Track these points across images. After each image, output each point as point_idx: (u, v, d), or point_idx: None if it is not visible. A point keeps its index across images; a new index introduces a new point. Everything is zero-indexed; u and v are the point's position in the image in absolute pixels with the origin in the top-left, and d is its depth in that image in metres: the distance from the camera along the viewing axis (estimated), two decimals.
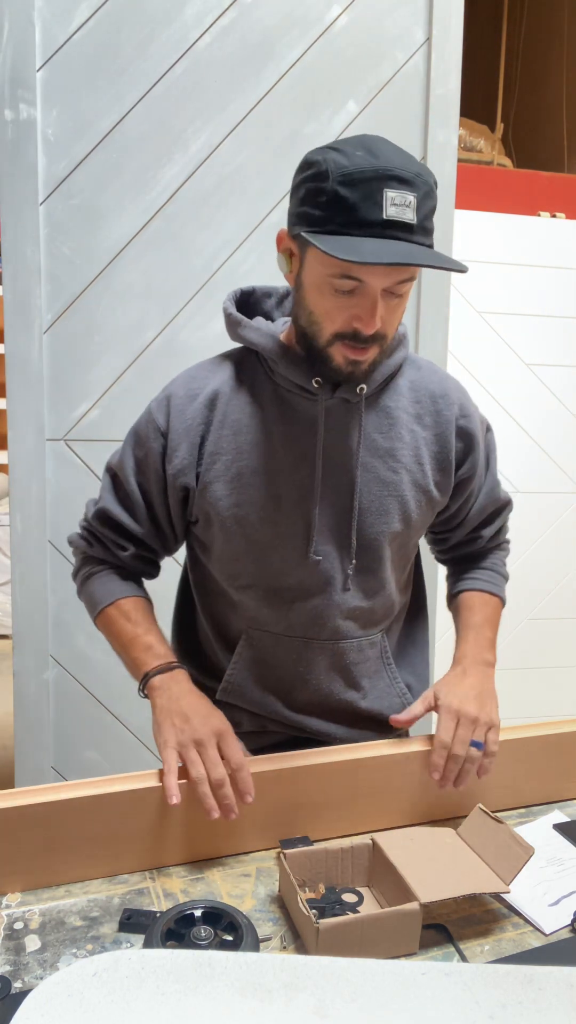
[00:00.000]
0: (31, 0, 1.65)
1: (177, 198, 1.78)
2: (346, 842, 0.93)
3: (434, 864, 0.90)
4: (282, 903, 0.89)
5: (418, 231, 0.89)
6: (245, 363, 1.10)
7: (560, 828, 1.06)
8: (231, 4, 1.73)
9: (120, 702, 1.92)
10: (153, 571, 1.20)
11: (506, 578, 1.26)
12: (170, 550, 1.18)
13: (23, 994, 0.73)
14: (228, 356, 1.12)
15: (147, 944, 0.79)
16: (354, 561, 1.08)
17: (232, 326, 1.09)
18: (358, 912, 0.88)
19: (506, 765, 1.07)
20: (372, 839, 0.93)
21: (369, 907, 0.90)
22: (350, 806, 1.02)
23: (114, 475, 1.14)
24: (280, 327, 1.08)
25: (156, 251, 1.79)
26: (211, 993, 0.56)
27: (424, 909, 0.82)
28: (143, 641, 1.08)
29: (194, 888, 0.92)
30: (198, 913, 0.83)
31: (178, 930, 0.81)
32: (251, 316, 1.11)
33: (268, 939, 0.84)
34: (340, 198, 0.88)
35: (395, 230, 0.88)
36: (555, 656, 2.66)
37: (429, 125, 1.84)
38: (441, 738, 1.01)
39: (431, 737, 1.04)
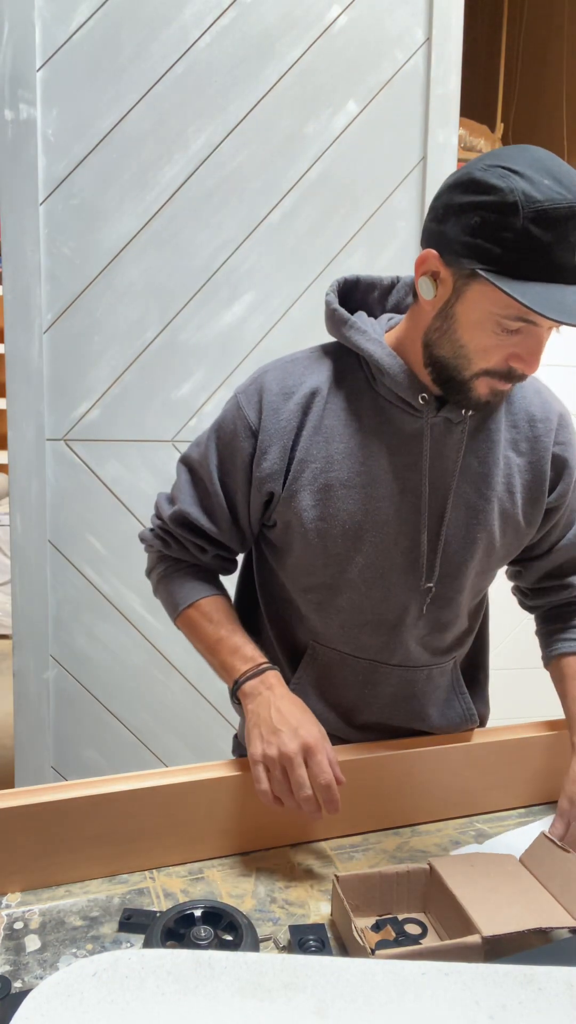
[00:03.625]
0: (31, 0, 1.65)
1: (177, 198, 1.78)
2: (402, 867, 0.88)
3: (496, 894, 0.84)
4: (335, 930, 0.85)
5: None
6: (345, 363, 1.01)
7: None
8: (231, 4, 1.73)
9: (120, 702, 1.92)
10: (231, 567, 1.14)
11: None
12: (247, 549, 1.13)
13: (23, 994, 0.72)
14: (326, 352, 1.03)
15: (147, 944, 0.79)
16: (434, 589, 1.02)
17: (335, 324, 1.00)
18: (420, 944, 0.84)
19: (506, 765, 1.07)
20: (429, 863, 0.88)
21: (430, 938, 0.85)
22: (351, 806, 1.02)
23: (193, 472, 1.06)
24: (384, 327, 1.01)
25: (156, 251, 1.79)
26: (211, 993, 0.56)
27: (486, 943, 0.77)
28: (229, 643, 1.02)
29: (194, 888, 0.92)
30: (198, 913, 0.83)
31: (178, 930, 0.80)
32: (352, 309, 1.03)
33: (268, 939, 0.84)
34: (532, 238, 0.79)
35: None
36: None
37: (429, 125, 1.84)
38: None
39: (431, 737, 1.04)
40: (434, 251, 0.87)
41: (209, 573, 1.11)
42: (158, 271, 1.80)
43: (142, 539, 1.13)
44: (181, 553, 1.09)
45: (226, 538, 1.06)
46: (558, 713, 1.11)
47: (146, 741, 1.96)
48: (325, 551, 1.00)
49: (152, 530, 1.11)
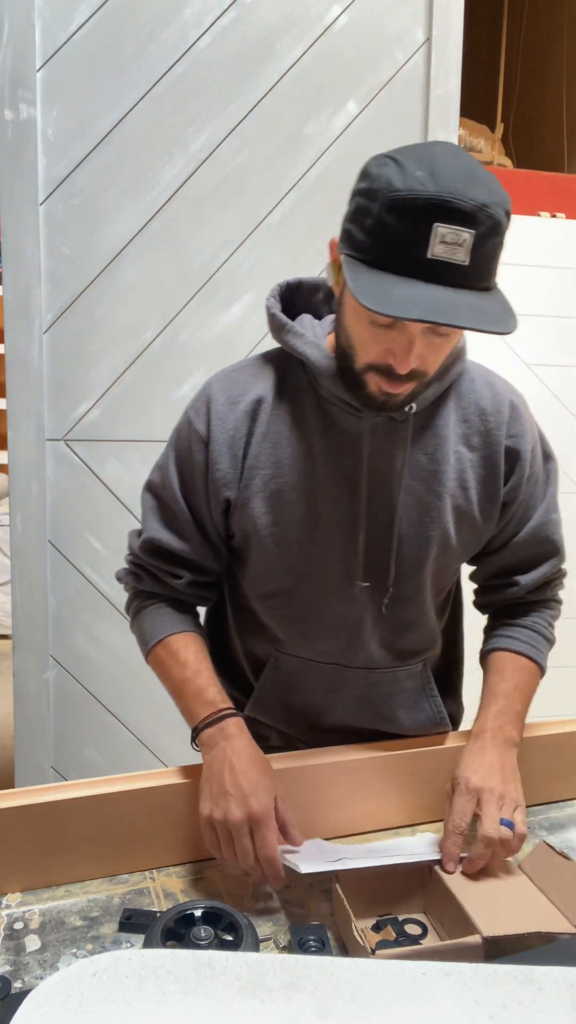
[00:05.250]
0: (31, 0, 1.65)
1: (177, 198, 1.78)
2: (402, 867, 0.88)
3: (496, 896, 0.84)
4: (335, 930, 0.85)
5: (471, 274, 0.77)
6: (288, 368, 1.00)
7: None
8: (231, 4, 1.73)
9: (120, 702, 1.92)
10: (211, 595, 1.11)
11: (550, 641, 1.11)
12: (223, 565, 1.10)
13: (23, 994, 0.72)
14: (271, 358, 1.03)
15: (147, 944, 0.79)
16: (391, 589, 1.01)
17: (275, 329, 0.99)
18: (420, 944, 0.84)
19: None
20: (430, 866, 0.89)
21: (430, 938, 0.85)
22: (352, 805, 1.02)
23: (157, 495, 1.05)
24: (327, 329, 1.00)
25: (156, 251, 1.79)
26: (211, 993, 0.56)
27: (486, 944, 0.77)
28: (192, 686, 0.98)
29: (194, 888, 0.92)
30: (198, 913, 0.83)
31: (178, 930, 0.80)
32: (296, 312, 1.03)
33: (268, 939, 0.84)
34: (385, 226, 0.77)
35: (441, 272, 0.76)
36: (555, 656, 2.65)
37: (429, 125, 1.84)
38: (455, 821, 0.89)
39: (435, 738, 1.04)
40: (335, 238, 0.88)
41: (184, 607, 1.08)
42: (158, 271, 1.80)
43: (118, 578, 1.12)
44: (155, 585, 1.07)
45: (198, 555, 1.04)
46: (558, 713, 1.10)
47: (146, 741, 1.96)
48: (280, 557, 1.00)
49: (125, 567, 1.10)
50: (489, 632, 1.13)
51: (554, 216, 2.59)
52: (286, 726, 1.11)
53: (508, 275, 2.85)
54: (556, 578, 1.12)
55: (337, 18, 1.77)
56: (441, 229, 0.75)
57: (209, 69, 1.74)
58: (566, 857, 0.88)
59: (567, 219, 2.58)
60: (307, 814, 0.99)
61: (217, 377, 1.03)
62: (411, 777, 1.04)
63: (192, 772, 0.96)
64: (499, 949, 0.79)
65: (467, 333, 0.91)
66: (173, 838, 0.95)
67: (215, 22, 1.73)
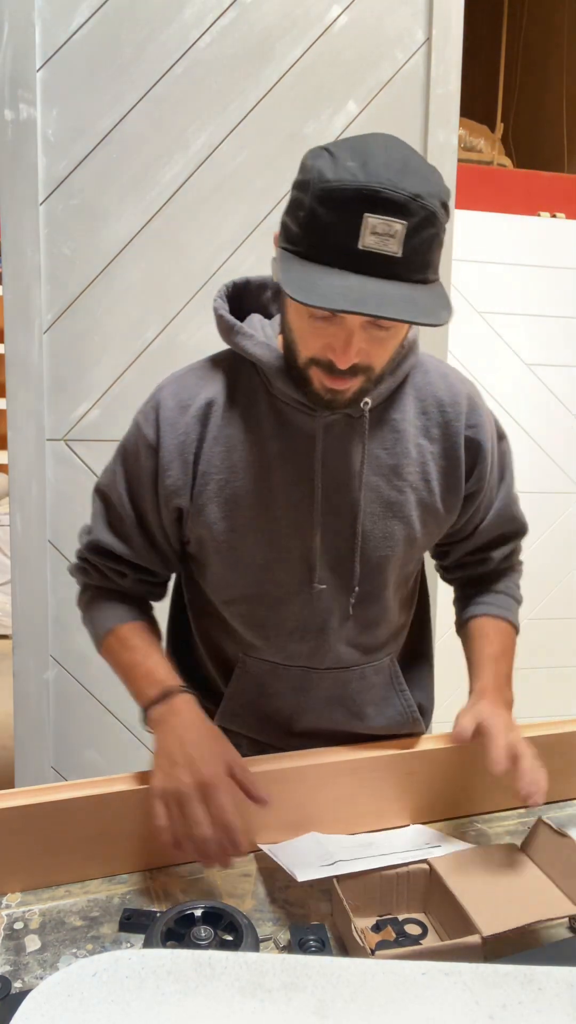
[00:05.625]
0: (31, 0, 1.65)
1: (177, 198, 1.78)
2: (402, 867, 0.88)
3: (496, 888, 0.84)
4: (335, 930, 0.85)
5: (403, 266, 0.76)
6: (239, 370, 0.99)
7: None
8: (231, 4, 1.73)
9: (120, 702, 1.92)
10: (158, 591, 1.11)
11: (519, 602, 1.17)
12: (173, 570, 1.10)
13: (23, 994, 0.72)
14: (221, 360, 1.01)
15: (147, 944, 0.79)
16: (356, 589, 1.00)
17: (224, 330, 0.98)
18: (420, 944, 0.84)
19: None
20: (429, 863, 0.88)
21: (430, 938, 0.85)
22: (352, 805, 1.02)
23: (105, 498, 1.04)
24: (277, 328, 0.99)
25: (156, 251, 1.79)
26: (211, 993, 0.56)
27: (486, 944, 0.77)
28: (141, 668, 0.99)
29: (194, 888, 0.92)
30: (198, 913, 0.83)
31: (178, 930, 0.81)
32: (245, 312, 1.02)
33: (268, 939, 0.84)
34: (316, 217, 0.76)
35: (373, 263, 0.75)
36: (555, 656, 2.66)
37: (429, 125, 1.84)
38: (533, 785, 0.90)
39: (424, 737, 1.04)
40: (277, 232, 0.87)
41: (134, 599, 1.08)
42: (158, 271, 1.80)
43: (70, 572, 1.12)
44: (102, 580, 1.07)
45: (145, 561, 1.04)
46: (558, 713, 1.10)
47: (146, 741, 1.95)
48: (240, 562, 0.99)
49: (75, 562, 1.10)
50: (466, 601, 1.16)
51: (554, 216, 2.59)
52: (257, 733, 1.10)
53: (508, 275, 2.87)
54: (519, 547, 1.17)
55: (337, 18, 1.77)
56: (371, 219, 0.74)
57: (209, 69, 1.74)
58: (564, 835, 0.88)
59: (567, 219, 2.58)
60: (307, 814, 0.99)
61: (166, 382, 1.01)
62: (410, 777, 1.04)
63: None
64: (500, 948, 0.79)
65: (423, 327, 0.91)
66: None
67: (215, 22, 1.73)
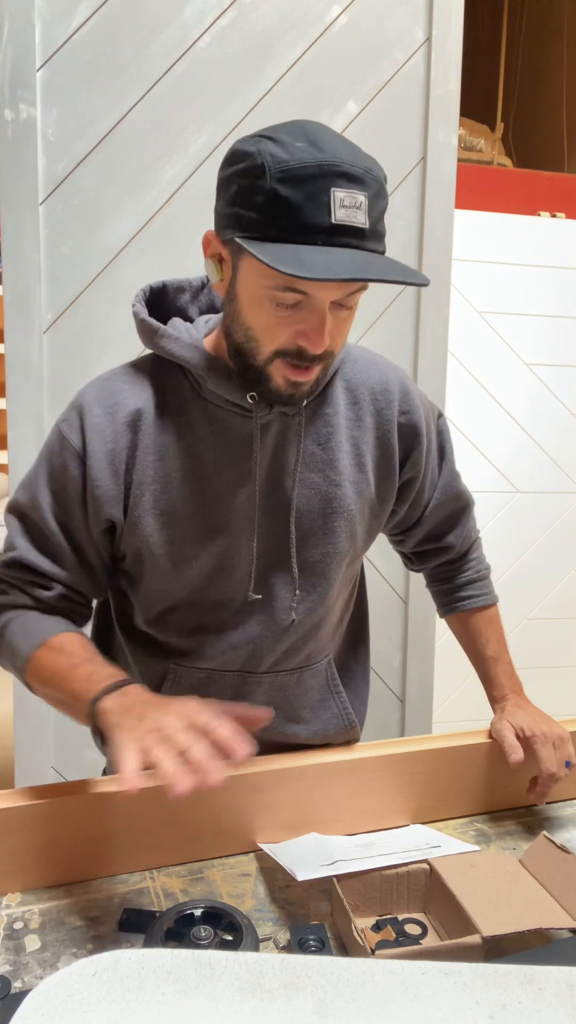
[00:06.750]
0: (31, 0, 1.65)
1: (177, 198, 1.78)
2: (402, 867, 0.88)
3: (496, 894, 0.84)
4: (335, 930, 0.85)
5: (370, 236, 0.78)
6: (166, 374, 0.95)
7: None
8: (231, 4, 1.73)
9: None
10: (83, 611, 1.00)
11: (489, 571, 1.20)
12: (101, 593, 1.02)
13: (23, 994, 0.72)
14: (144, 365, 0.97)
15: (147, 944, 0.79)
16: (298, 592, 0.98)
17: (147, 335, 0.95)
18: (420, 944, 0.84)
19: (506, 765, 1.07)
20: (429, 863, 0.88)
21: (430, 938, 0.85)
22: (352, 805, 1.02)
23: (24, 517, 0.96)
24: (202, 330, 0.96)
25: (156, 251, 1.79)
26: (211, 993, 0.56)
27: (486, 944, 0.77)
28: (83, 670, 0.87)
29: (194, 888, 0.92)
30: (198, 913, 0.83)
31: (178, 930, 0.81)
32: (165, 316, 0.99)
33: (268, 939, 0.84)
34: (280, 199, 0.76)
35: (345, 236, 0.76)
36: (555, 656, 2.66)
37: (429, 125, 1.84)
38: (548, 768, 1.02)
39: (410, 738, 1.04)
40: (211, 230, 0.86)
41: (61, 614, 0.98)
42: (158, 271, 1.80)
43: None
44: (21, 597, 0.96)
45: (74, 581, 0.96)
46: (558, 713, 1.11)
47: None
48: (177, 575, 0.95)
49: None
50: (445, 595, 1.19)
51: (554, 216, 2.59)
52: None
53: (508, 275, 2.87)
54: (472, 521, 1.18)
55: (337, 18, 1.78)
56: (339, 193, 0.75)
57: (209, 69, 1.74)
58: (566, 851, 0.88)
59: (567, 219, 2.58)
60: (307, 814, 0.99)
61: (89, 387, 0.96)
62: (411, 777, 1.04)
63: None
64: (500, 948, 0.79)
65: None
66: (173, 838, 0.95)
67: (215, 22, 1.73)
